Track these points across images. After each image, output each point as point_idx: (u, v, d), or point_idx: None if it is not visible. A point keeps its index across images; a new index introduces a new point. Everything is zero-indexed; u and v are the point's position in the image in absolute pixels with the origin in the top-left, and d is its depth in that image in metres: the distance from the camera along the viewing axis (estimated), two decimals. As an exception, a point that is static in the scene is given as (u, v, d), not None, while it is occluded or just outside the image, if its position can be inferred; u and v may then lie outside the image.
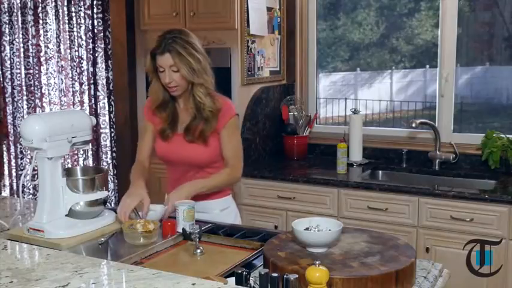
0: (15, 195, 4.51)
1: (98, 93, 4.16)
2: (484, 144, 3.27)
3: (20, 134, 1.98)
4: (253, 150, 3.56)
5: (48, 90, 4.38)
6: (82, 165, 4.27)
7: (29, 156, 4.44)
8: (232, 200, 2.45)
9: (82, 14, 4.13)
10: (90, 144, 2.21)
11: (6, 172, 4.60)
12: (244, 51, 3.40)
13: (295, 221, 1.73)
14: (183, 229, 1.99)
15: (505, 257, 2.79)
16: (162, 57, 2.16)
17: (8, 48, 4.44)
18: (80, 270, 1.42)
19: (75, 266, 1.45)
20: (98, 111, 4.16)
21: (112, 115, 4.10)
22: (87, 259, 1.55)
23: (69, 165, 4.24)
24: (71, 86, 4.27)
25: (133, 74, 3.82)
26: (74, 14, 4.17)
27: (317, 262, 1.35)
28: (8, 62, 4.45)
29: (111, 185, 4.14)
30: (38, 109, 4.42)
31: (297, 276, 1.39)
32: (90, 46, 4.14)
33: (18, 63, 4.43)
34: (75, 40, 4.19)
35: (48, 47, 4.32)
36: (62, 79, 4.31)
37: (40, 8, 4.29)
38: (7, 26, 4.40)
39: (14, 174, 4.60)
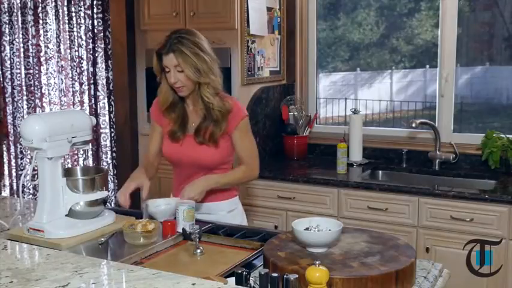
0: (15, 195, 4.51)
1: (98, 93, 4.16)
2: (484, 144, 3.27)
3: (20, 134, 1.98)
4: (253, 150, 3.55)
5: (48, 90, 4.37)
6: (82, 165, 4.27)
7: (29, 156, 4.44)
8: (238, 201, 2.45)
9: (82, 14, 4.13)
10: (90, 144, 2.21)
11: (6, 172, 4.60)
12: (244, 51, 3.40)
13: (295, 221, 1.73)
14: (183, 229, 1.99)
15: (505, 257, 2.79)
16: (166, 57, 2.15)
17: (8, 48, 4.44)
18: (80, 270, 1.42)
19: (75, 266, 1.45)
20: (98, 111, 4.16)
21: (112, 115, 4.10)
22: (87, 259, 1.55)
23: (69, 165, 4.24)
24: (71, 86, 4.27)
25: (133, 74, 3.82)
26: (74, 14, 4.17)
27: (317, 262, 1.35)
28: (8, 62, 4.45)
29: (111, 185, 4.14)
30: (38, 109, 4.42)
31: (297, 276, 1.39)
32: (90, 46, 4.14)
33: (18, 63, 4.43)
34: (75, 40, 4.19)
35: (48, 47, 4.31)
36: (62, 79, 4.31)
37: (40, 8, 4.29)
38: (7, 26, 4.40)
39: (14, 174, 4.60)
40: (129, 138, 3.88)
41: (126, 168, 3.93)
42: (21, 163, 4.54)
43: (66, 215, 2.01)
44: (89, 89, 4.20)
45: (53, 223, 1.96)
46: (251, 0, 3.40)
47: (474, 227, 2.84)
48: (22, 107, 4.48)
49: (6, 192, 4.59)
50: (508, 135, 3.24)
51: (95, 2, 4.05)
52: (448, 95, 3.50)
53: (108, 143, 4.16)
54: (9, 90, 4.48)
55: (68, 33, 4.22)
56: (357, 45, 3.96)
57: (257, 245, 1.91)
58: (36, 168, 2.00)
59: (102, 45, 4.07)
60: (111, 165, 4.16)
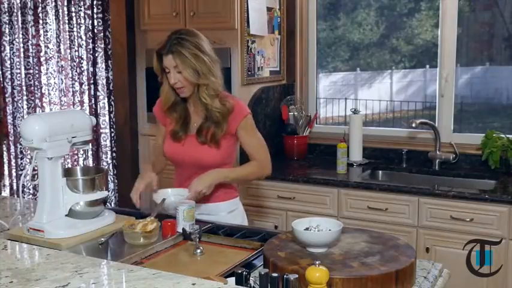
0: (15, 195, 4.51)
1: (98, 93, 4.16)
2: (484, 144, 3.27)
3: (20, 134, 1.98)
4: (253, 150, 3.56)
5: (48, 90, 4.37)
6: (82, 165, 4.27)
7: (29, 156, 4.44)
8: (239, 202, 2.44)
9: (82, 14, 4.13)
10: (90, 144, 2.21)
11: (6, 172, 4.60)
12: (244, 51, 3.40)
13: (295, 221, 1.73)
14: (183, 229, 1.99)
15: (505, 257, 2.79)
16: (166, 58, 2.15)
17: (8, 48, 4.44)
18: (80, 270, 1.42)
19: (75, 266, 1.45)
20: (98, 111, 4.16)
21: (112, 115, 4.10)
22: (87, 259, 1.55)
23: (69, 165, 4.24)
24: (71, 86, 4.27)
25: (133, 74, 3.82)
26: (74, 14, 4.17)
27: (317, 262, 1.35)
28: (8, 62, 4.45)
29: (111, 185, 4.14)
30: (38, 109, 4.42)
31: (297, 276, 1.39)
32: (90, 46, 4.14)
33: (18, 63, 4.43)
34: (75, 40, 4.19)
35: (48, 47, 4.31)
36: (62, 79, 4.31)
37: (40, 8, 4.29)
38: (7, 26, 4.40)
39: (14, 174, 4.60)
40: (129, 138, 3.88)
41: (126, 168, 3.93)
42: (21, 163, 4.55)
43: (66, 215, 2.01)
44: (89, 89, 4.20)
45: (53, 223, 1.96)
46: (251, 0, 3.40)
47: (474, 227, 2.84)
48: (22, 107, 4.48)
49: (6, 192, 4.59)
50: (508, 135, 3.24)
51: (95, 2, 4.05)
52: (448, 95, 3.50)
53: (108, 143, 4.16)
54: (9, 90, 4.48)
55: (68, 33, 4.22)
56: (357, 45, 3.96)
57: (257, 245, 1.91)
58: (36, 168, 2.00)
59: (102, 45, 4.07)
60: (111, 165, 4.16)
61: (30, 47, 4.36)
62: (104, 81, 4.12)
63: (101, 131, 4.16)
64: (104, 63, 4.09)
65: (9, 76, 4.46)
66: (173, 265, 1.79)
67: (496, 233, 2.80)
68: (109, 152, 4.17)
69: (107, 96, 4.12)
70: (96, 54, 4.13)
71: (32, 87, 4.42)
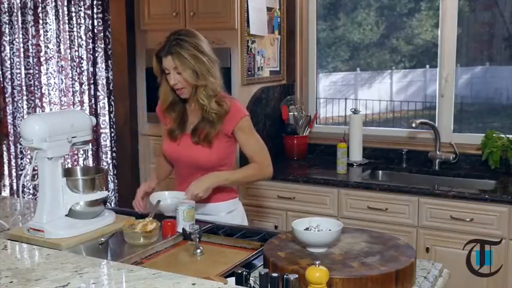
0: (15, 195, 4.51)
1: (98, 93, 4.16)
2: (484, 144, 3.27)
3: (20, 134, 1.98)
4: (253, 150, 3.55)
5: (48, 90, 4.37)
6: (82, 165, 4.27)
7: (29, 156, 4.44)
8: (239, 202, 2.43)
9: (82, 14, 4.13)
10: (90, 144, 2.21)
11: (6, 172, 4.60)
12: (244, 51, 3.40)
13: (295, 221, 1.73)
14: (183, 229, 1.99)
15: (505, 257, 2.79)
16: (165, 60, 2.15)
17: (8, 48, 4.44)
18: (80, 270, 1.42)
19: (75, 266, 1.45)
20: (98, 111, 4.16)
21: (112, 115, 4.10)
22: (87, 259, 1.55)
23: (69, 165, 4.24)
24: (71, 86, 4.27)
25: (133, 74, 3.83)
26: (74, 14, 4.17)
27: (317, 262, 1.35)
28: (8, 62, 4.45)
29: (111, 185, 4.14)
30: (38, 109, 4.42)
31: (297, 276, 1.39)
32: (90, 46, 4.14)
33: (18, 63, 4.43)
34: (75, 40, 4.19)
35: (48, 47, 4.32)
36: (62, 79, 4.31)
37: (40, 8, 4.29)
38: (7, 26, 4.41)
39: (14, 174, 4.60)
40: (129, 138, 3.88)
41: (126, 168, 3.93)
42: (21, 163, 4.55)
43: (66, 215, 2.01)
44: (89, 89, 4.20)
45: (53, 223, 1.96)
46: (251, 0, 3.40)
47: (474, 227, 2.84)
48: (22, 107, 4.48)
49: (6, 192, 4.60)
50: (508, 135, 3.24)
51: (95, 2, 4.05)
52: (448, 95, 3.50)
53: (108, 143, 4.16)
54: (9, 90, 4.48)
55: (68, 33, 4.22)
56: (357, 45, 3.96)
57: (257, 245, 1.91)
58: (36, 168, 2.00)
59: (102, 45, 4.07)
60: (111, 165, 4.16)
61: (30, 47, 4.36)
62: (104, 81, 4.12)
63: (101, 131, 4.16)
64: (104, 63, 4.09)
65: (9, 76, 4.46)
66: (173, 265, 1.79)
67: (496, 233, 2.80)
68: (109, 152, 4.17)
69: (107, 96, 4.12)
70: (96, 54, 4.13)
71: (32, 87, 4.42)
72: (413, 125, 3.37)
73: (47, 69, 4.35)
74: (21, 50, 4.40)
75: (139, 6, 3.67)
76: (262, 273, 1.42)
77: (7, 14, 4.39)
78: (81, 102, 4.24)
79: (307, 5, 3.88)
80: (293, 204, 3.28)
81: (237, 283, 1.45)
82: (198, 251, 1.86)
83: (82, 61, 4.19)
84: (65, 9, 4.19)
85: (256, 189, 3.36)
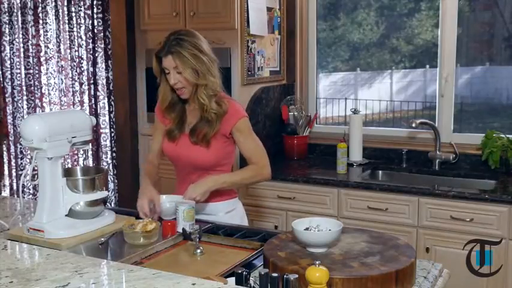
0: (15, 195, 4.51)
1: (98, 93, 4.16)
2: (484, 144, 3.27)
3: (20, 134, 1.98)
4: (253, 150, 3.55)
5: (48, 90, 4.37)
6: (82, 165, 4.27)
7: (29, 156, 4.44)
8: (238, 202, 2.43)
9: (82, 14, 4.13)
10: (90, 144, 2.21)
11: (6, 172, 4.60)
12: (244, 51, 3.40)
13: (295, 221, 1.73)
14: (183, 229, 1.99)
15: (505, 257, 2.79)
16: (165, 59, 2.15)
17: (8, 48, 4.44)
18: (80, 270, 1.42)
19: (75, 266, 1.45)
20: (98, 111, 4.16)
21: (112, 115, 4.10)
22: (87, 259, 1.55)
23: (69, 165, 4.24)
24: (71, 86, 4.27)
25: (133, 74, 3.83)
26: (74, 14, 4.17)
27: (317, 262, 1.35)
28: (8, 62, 4.45)
29: (111, 185, 4.14)
30: (38, 109, 4.42)
31: (297, 276, 1.39)
32: (90, 46, 4.14)
33: (18, 63, 4.43)
34: (75, 40, 4.19)
35: (48, 47, 4.31)
36: (62, 79, 4.31)
37: (40, 8, 4.29)
38: (7, 26, 4.40)
39: (14, 174, 4.60)
40: (129, 138, 3.88)
41: (126, 168, 3.93)
42: (21, 163, 4.54)
43: (66, 215, 2.01)
44: (89, 89, 4.20)
45: (53, 223, 1.96)
46: (251, 0, 3.40)
47: (474, 227, 2.84)
48: (22, 107, 4.48)
49: (6, 192, 4.59)
50: (508, 135, 3.24)
51: (95, 2, 4.05)
52: (448, 95, 3.50)
53: (108, 143, 4.16)
54: (9, 90, 4.48)
55: (68, 33, 4.22)
56: (357, 45, 3.96)
57: (257, 245, 1.91)
58: (36, 168, 2.00)
59: (102, 45, 4.07)
60: (111, 165, 4.16)
61: (30, 47, 4.36)
62: (104, 81, 4.12)
63: (101, 131, 4.16)
64: (104, 63, 4.09)
65: (9, 76, 4.46)
66: (173, 265, 1.79)
67: (496, 233, 2.80)
68: (109, 152, 4.17)
69: (107, 96, 4.12)
70: (96, 54, 4.13)
71: (32, 87, 4.42)
72: (413, 125, 3.37)
73: (47, 69, 4.35)
74: (21, 50, 4.40)
75: (139, 6, 3.67)
76: (262, 273, 1.42)
77: (7, 14, 4.39)
78: (81, 102, 4.24)
79: (307, 5, 3.88)
80: (293, 204, 3.28)
81: (237, 283, 1.45)
82: (198, 251, 1.86)
83: (82, 61, 4.19)
84: (65, 9, 4.19)
85: (256, 189, 3.36)
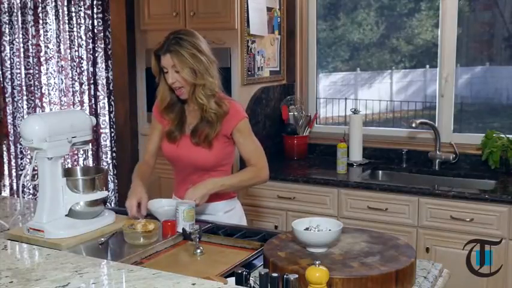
0: (15, 195, 4.51)
1: (98, 93, 4.16)
2: (484, 144, 3.27)
3: (20, 134, 1.98)
4: (253, 150, 3.55)
5: (48, 90, 4.37)
6: (82, 165, 4.27)
7: (29, 156, 4.44)
8: (237, 201, 2.43)
9: (82, 14, 4.13)
10: (90, 144, 2.21)
11: (6, 172, 4.60)
12: (244, 51, 3.40)
13: (295, 221, 1.73)
14: (183, 229, 1.99)
15: (505, 257, 2.79)
16: (164, 58, 2.15)
17: (8, 48, 4.44)
18: (80, 270, 1.42)
19: (75, 266, 1.45)
20: (98, 111, 4.16)
21: (112, 115, 4.10)
22: (87, 259, 1.55)
23: (69, 165, 4.24)
24: (71, 86, 4.27)
25: (133, 74, 3.83)
26: (74, 14, 4.17)
27: (317, 262, 1.35)
28: (8, 62, 4.45)
29: (111, 185, 4.14)
30: (38, 109, 4.42)
31: (297, 276, 1.39)
32: (90, 46, 4.14)
33: (18, 63, 4.43)
34: (75, 40, 4.19)
35: (48, 47, 4.32)
36: (62, 79, 4.31)
37: (40, 8, 4.29)
38: (7, 26, 4.40)
39: (14, 174, 4.60)
40: (129, 138, 3.88)
41: (126, 168, 3.93)
42: (21, 163, 4.55)
43: (66, 215, 2.01)
44: (89, 89, 4.20)
45: (53, 223, 1.96)
46: (251, 0, 3.40)
47: (474, 227, 2.84)
48: (22, 107, 4.48)
49: (6, 192, 4.59)
50: (508, 135, 3.24)
51: (95, 2, 4.05)
52: (448, 95, 3.50)
53: (108, 143, 4.16)
54: (9, 90, 4.48)
55: (68, 33, 4.22)
56: (357, 45, 3.96)
57: (257, 245, 1.91)
58: (36, 168, 2.00)
59: (102, 45, 4.07)
60: (111, 165, 4.16)
61: (30, 47, 4.36)
62: (104, 81, 4.12)
63: (101, 131, 4.16)
64: (104, 63, 4.09)
65: (9, 76, 4.46)
66: (173, 265, 1.79)
67: (496, 233, 2.80)
68: (109, 152, 4.17)
69: (107, 96, 4.12)
70: (96, 54, 4.13)
71: (32, 87, 4.42)
72: (413, 125, 3.37)
73: (47, 69, 4.35)
74: (21, 50, 4.40)
75: (139, 6, 3.68)
76: (262, 273, 1.42)
77: (7, 14, 4.39)
78: (81, 102, 4.24)
79: (307, 5, 3.88)
80: (293, 204, 3.28)
81: (237, 283, 1.45)
82: (198, 251, 1.86)
83: (82, 61, 4.19)
84: (65, 9, 4.19)
85: (256, 189, 3.36)
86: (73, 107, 4.26)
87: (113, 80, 3.99)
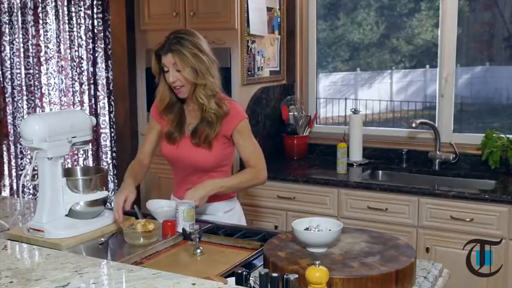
0: (15, 195, 4.51)
1: (98, 93, 4.16)
2: (484, 144, 3.27)
3: (20, 134, 1.98)
4: (253, 150, 3.55)
5: (48, 90, 4.38)
6: (82, 165, 4.27)
7: (29, 156, 4.44)
8: (237, 201, 2.43)
9: (82, 14, 4.13)
10: (90, 144, 2.21)
11: (6, 172, 4.60)
12: (244, 51, 3.40)
13: (295, 221, 1.73)
14: (183, 229, 1.99)
15: (505, 257, 2.79)
16: (165, 57, 2.14)
17: (8, 48, 4.44)
18: (80, 270, 1.42)
19: (75, 266, 1.45)
20: (98, 111, 4.16)
21: (112, 115, 4.10)
22: (87, 259, 1.55)
23: (69, 165, 4.24)
24: (71, 86, 4.27)
25: (133, 74, 3.82)
26: (74, 14, 4.17)
27: (317, 262, 1.35)
28: (8, 62, 4.45)
29: (111, 185, 4.14)
30: (38, 109, 4.42)
31: (297, 276, 1.39)
32: (90, 46, 4.14)
33: (18, 63, 4.43)
34: (75, 40, 4.19)
35: (48, 47, 4.32)
36: (62, 79, 4.31)
37: (40, 8, 4.29)
38: (7, 26, 4.40)
39: (14, 174, 4.60)
40: (129, 138, 3.88)
41: (126, 168, 3.91)
42: (21, 163, 4.55)
43: (66, 215, 2.02)
44: (89, 89, 4.20)
45: (53, 223, 1.96)
46: (251, 0, 3.40)
47: (474, 227, 2.84)
48: (22, 107, 4.48)
49: (6, 192, 4.59)
50: (508, 135, 3.24)
51: (95, 2, 4.05)
52: (448, 95, 3.50)
53: (108, 143, 4.16)
54: (9, 90, 4.48)
55: (68, 33, 4.22)
56: (357, 45, 3.96)
57: (257, 245, 1.91)
58: (36, 168, 2.00)
59: (102, 45, 4.07)
60: (111, 165, 4.16)
61: (30, 47, 4.36)
62: (104, 81, 4.12)
63: (101, 131, 4.16)
64: (104, 63, 4.09)
65: (9, 76, 4.46)
66: (173, 265, 1.79)
67: (496, 233, 2.80)
68: (109, 152, 4.17)
69: (107, 96, 4.12)
70: (96, 54, 4.13)
71: (32, 87, 4.42)
72: (413, 125, 3.37)
73: (47, 69, 4.35)
74: (21, 50, 4.40)
75: (139, 6, 3.67)
76: (262, 273, 1.42)
77: (7, 14, 4.39)
78: (81, 102, 4.24)
79: (307, 5, 3.88)
80: (293, 204, 3.28)
81: (237, 283, 1.45)
82: (198, 251, 1.86)
83: (82, 61, 4.19)
84: (65, 9, 4.19)
85: (256, 189, 3.36)
86: (73, 107, 4.26)
87: (113, 80, 3.99)
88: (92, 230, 2.01)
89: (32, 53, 4.37)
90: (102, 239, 1.96)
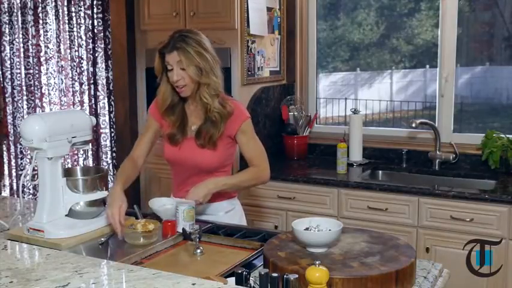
0: (15, 195, 4.51)
1: (98, 93, 4.16)
2: (484, 144, 3.27)
3: (20, 134, 1.98)
4: (253, 150, 3.55)
5: (48, 90, 4.38)
6: (82, 165, 4.27)
7: (29, 156, 4.44)
8: (237, 201, 2.42)
9: (82, 14, 4.13)
10: (90, 144, 2.21)
11: (6, 172, 4.60)
12: (244, 51, 3.40)
13: (295, 221, 1.73)
14: (183, 229, 1.99)
15: (505, 257, 2.79)
16: (170, 55, 2.13)
17: (8, 48, 4.44)
18: (80, 270, 1.42)
19: (75, 266, 1.45)
20: (98, 111, 4.16)
21: (112, 115, 4.10)
22: (87, 259, 1.55)
23: (69, 165, 4.24)
24: (71, 86, 4.27)
25: (133, 74, 3.83)
26: (74, 14, 4.17)
27: (317, 262, 1.35)
28: (8, 62, 4.45)
29: (111, 185, 4.13)
30: (38, 109, 4.42)
31: (297, 276, 1.39)
32: (90, 46, 4.14)
33: (18, 63, 4.43)
34: (75, 40, 4.19)
35: (48, 47, 4.32)
36: (62, 79, 4.31)
37: (40, 8, 4.29)
38: (7, 26, 4.40)
39: (14, 174, 4.60)
40: (129, 138, 3.88)
41: (126, 168, 3.92)
42: (21, 163, 4.54)
43: (66, 215, 2.02)
44: (89, 89, 4.20)
45: (53, 223, 1.96)
46: (251, 0, 3.40)
47: (474, 227, 2.84)
48: (22, 107, 4.48)
49: (6, 192, 4.59)
50: (508, 135, 3.24)
51: (95, 2, 4.05)
52: (448, 95, 3.50)
53: (108, 143, 4.16)
54: (9, 90, 4.48)
55: (68, 33, 4.22)
56: (357, 45, 3.96)
57: (257, 245, 1.91)
58: (36, 168, 2.00)
59: (102, 45, 4.07)
60: (111, 165, 4.16)
61: (30, 47, 4.36)
62: (104, 81, 4.12)
63: (101, 131, 4.16)
64: (104, 63, 4.09)
65: (9, 76, 4.46)
66: (173, 265, 1.79)
67: (496, 233, 2.80)
68: (109, 152, 4.17)
69: (107, 96, 4.12)
70: (96, 54, 4.13)
71: (32, 87, 4.42)
72: (413, 125, 3.37)
73: (47, 69, 4.35)
74: (21, 50, 4.40)
75: (139, 6, 3.67)
76: (262, 273, 1.42)
77: (7, 14, 4.39)
78: (81, 102, 4.24)
79: (307, 5, 3.88)
80: (293, 204, 3.28)
81: (237, 283, 1.45)
82: (198, 251, 1.86)
83: (82, 61, 4.19)
84: (65, 9, 4.19)
85: (256, 189, 3.36)
86: (73, 107, 4.26)
87: (113, 80, 3.99)
88: (92, 230, 2.01)
89: (32, 53, 4.37)
90: (102, 239, 1.96)
